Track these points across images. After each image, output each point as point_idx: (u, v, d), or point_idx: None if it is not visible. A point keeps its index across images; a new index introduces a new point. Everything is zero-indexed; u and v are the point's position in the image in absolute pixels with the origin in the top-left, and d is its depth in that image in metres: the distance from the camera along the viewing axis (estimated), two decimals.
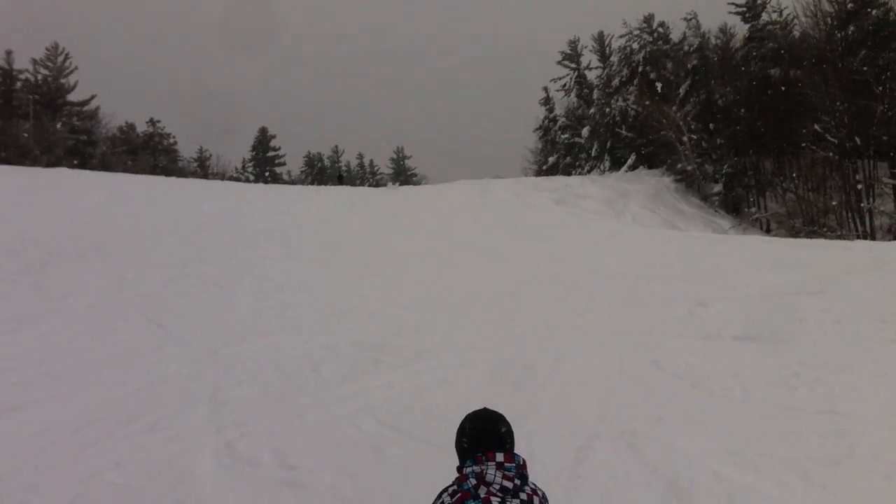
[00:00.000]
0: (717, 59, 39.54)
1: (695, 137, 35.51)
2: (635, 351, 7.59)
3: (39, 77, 50.69)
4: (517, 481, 2.31)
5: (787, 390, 6.05)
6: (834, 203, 29.30)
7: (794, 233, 28.06)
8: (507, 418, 2.53)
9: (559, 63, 50.64)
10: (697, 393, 6.17)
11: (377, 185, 69.75)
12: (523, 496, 2.30)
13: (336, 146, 79.71)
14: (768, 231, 31.56)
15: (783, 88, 32.62)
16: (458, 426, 2.53)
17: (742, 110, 34.90)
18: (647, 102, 37.59)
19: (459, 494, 2.27)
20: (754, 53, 37.93)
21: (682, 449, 4.93)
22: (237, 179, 63.74)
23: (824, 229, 27.68)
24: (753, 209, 34.47)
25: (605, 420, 5.50)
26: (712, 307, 9.49)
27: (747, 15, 39.67)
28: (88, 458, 5.05)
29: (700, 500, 4.23)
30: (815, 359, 6.83)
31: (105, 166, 46.76)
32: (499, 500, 2.24)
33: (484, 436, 2.44)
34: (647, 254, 16.20)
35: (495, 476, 2.29)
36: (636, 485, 4.45)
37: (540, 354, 7.61)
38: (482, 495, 2.25)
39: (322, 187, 36.06)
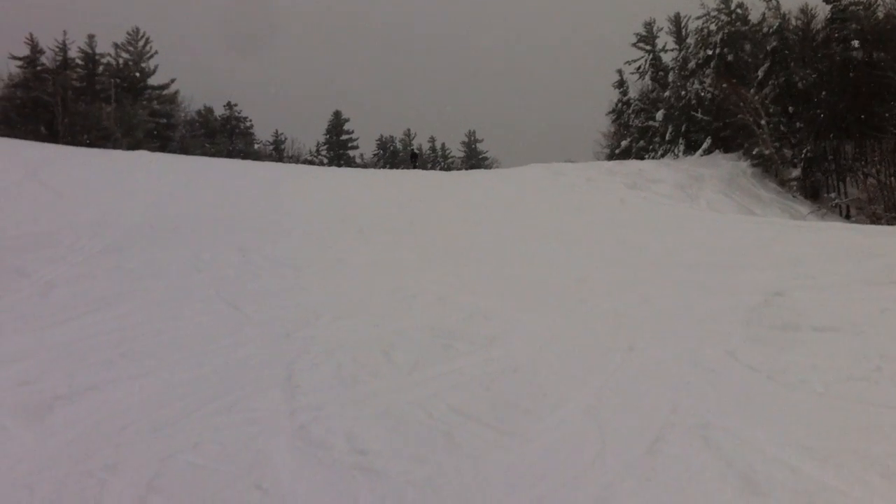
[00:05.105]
0: (797, 40, 38.38)
1: (773, 121, 34.63)
2: (709, 341, 7.44)
3: (121, 61, 52.13)
4: None
5: (868, 384, 5.86)
6: None
7: (874, 219, 27.22)
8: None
9: (634, 45, 50.03)
10: (774, 385, 6.03)
11: (449, 168, 69.86)
12: None
13: (408, 129, 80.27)
14: (848, 217, 30.69)
15: (867, 70, 31.56)
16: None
17: (823, 93, 33.87)
18: (724, 85, 36.78)
19: None
20: (836, 35, 36.65)
21: (758, 443, 4.82)
22: (311, 162, 64.78)
23: None
24: (833, 195, 33.56)
25: (679, 412, 5.41)
26: (790, 296, 9.25)
27: None
28: (167, 438, 5.18)
29: (777, 496, 4.14)
30: None
31: (184, 149, 48.11)
32: None
33: None
34: (721, 240, 15.88)
35: None
36: (711, 479, 4.36)
37: (611, 343, 7.53)
38: None
39: (394, 171, 36.29)
